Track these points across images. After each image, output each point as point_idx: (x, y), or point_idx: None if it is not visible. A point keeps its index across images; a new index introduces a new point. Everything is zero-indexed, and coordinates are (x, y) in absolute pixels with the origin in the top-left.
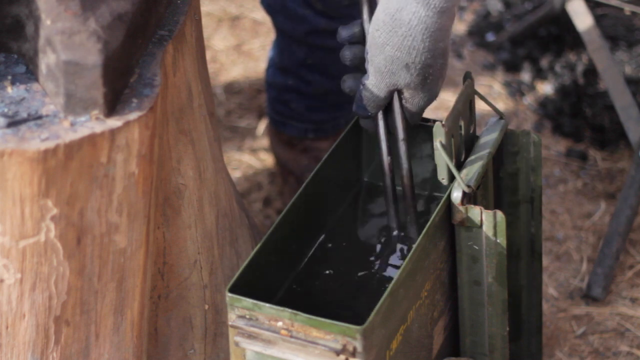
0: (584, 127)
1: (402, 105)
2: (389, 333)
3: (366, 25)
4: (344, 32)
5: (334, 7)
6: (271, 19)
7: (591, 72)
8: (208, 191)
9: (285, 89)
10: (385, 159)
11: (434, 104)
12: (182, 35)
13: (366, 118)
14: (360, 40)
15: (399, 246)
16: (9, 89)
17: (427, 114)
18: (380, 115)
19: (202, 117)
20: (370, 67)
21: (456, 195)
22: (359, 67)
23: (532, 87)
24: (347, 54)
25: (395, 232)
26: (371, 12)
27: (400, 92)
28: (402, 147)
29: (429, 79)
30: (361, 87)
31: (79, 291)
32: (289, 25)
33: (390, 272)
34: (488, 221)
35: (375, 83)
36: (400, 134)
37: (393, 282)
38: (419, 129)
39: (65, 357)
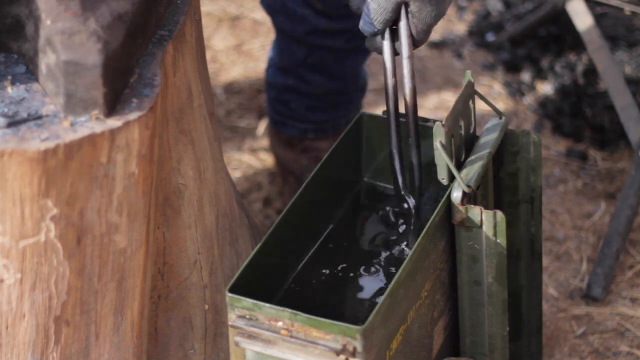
0: (584, 127)
1: (408, 21)
2: (389, 333)
3: None
4: None
5: (334, 7)
6: (271, 19)
7: (591, 72)
8: (208, 191)
9: (285, 89)
10: (390, 80)
11: (434, 103)
12: (182, 35)
13: (373, 35)
14: None
15: (399, 246)
16: (9, 89)
17: (428, 114)
18: (386, 35)
19: (202, 117)
20: None
21: (456, 195)
22: None
23: (532, 87)
24: None
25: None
26: None
27: (407, 6)
28: (407, 65)
29: None
30: (368, 0)
31: (79, 291)
32: (289, 25)
33: (390, 272)
34: (488, 221)
35: None
36: (406, 51)
37: (393, 282)
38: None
39: (65, 357)
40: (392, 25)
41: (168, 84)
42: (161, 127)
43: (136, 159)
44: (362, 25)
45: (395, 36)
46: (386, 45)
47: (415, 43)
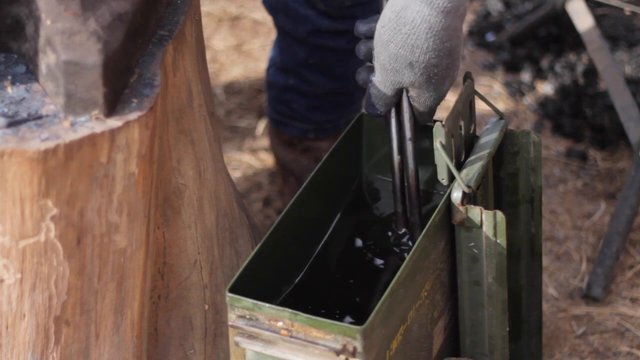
0: (584, 127)
1: (410, 104)
2: (389, 333)
3: None
4: (361, 26)
5: (337, 7)
6: (272, 18)
7: (591, 72)
8: (208, 191)
9: (286, 88)
10: (395, 157)
11: None
12: (182, 35)
13: (377, 117)
14: None
15: (400, 245)
16: (9, 89)
17: None
18: (392, 114)
19: (202, 117)
20: (376, 63)
21: (456, 195)
22: (373, 62)
23: (532, 87)
24: (362, 49)
25: (400, 231)
26: None
27: (407, 91)
28: (409, 147)
29: (434, 79)
30: (369, 85)
31: (79, 291)
32: (291, 25)
33: (390, 272)
34: (488, 221)
35: (381, 80)
36: (408, 133)
37: (393, 282)
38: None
39: (65, 357)
40: (396, 105)
41: (168, 84)
42: (161, 127)
43: (136, 159)
44: (366, 107)
45: (399, 113)
46: (391, 124)
47: (418, 123)
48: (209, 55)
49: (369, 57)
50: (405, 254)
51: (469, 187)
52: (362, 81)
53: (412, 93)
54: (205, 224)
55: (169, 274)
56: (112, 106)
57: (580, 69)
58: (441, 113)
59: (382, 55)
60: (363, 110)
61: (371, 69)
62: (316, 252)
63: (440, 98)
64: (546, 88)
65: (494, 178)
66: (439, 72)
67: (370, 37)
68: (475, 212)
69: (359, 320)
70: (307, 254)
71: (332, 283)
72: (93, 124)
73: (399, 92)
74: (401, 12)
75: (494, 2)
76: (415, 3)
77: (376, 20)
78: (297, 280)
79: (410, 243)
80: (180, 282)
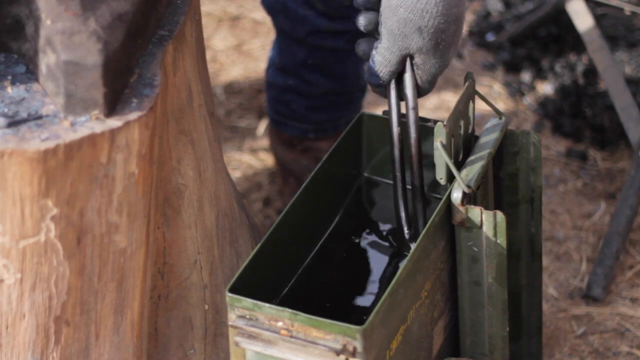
0: (584, 127)
1: (414, 73)
2: (389, 333)
3: None
4: None
5: (335, 7)
6: (271, 19)
7: (591, 72)
8: (208, 191)
9: (285, 89)
10: (395, 129)
11: (434, 103)
12: (182, 35)
13: (378, 87)
14: (375, 6)
15: (399, 246)
16: (9, 89)
17: (428, 114)
18: (392, 84)
19: (202, 117)
20: (383, 29)
21: (456, 195)
22: (373, 34)
23: (532, 87)
24: (362, 20)
25: (402, 213)
26: None
27: (412, 58)
28: (412, 116)
29: (442, 45)
30: (374, 51)
31: (79, 291)
32: (290, 26)
33: (390, 272)
34: (488, 222)
35: (387, 46)
36: (411, 102)
37: (393, 282)
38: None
39: (65, 357)
40: (398, 76)
41: (168, 84)
42: (161, 127)
43: (136, 159)
44: (368, 77)
45: (400, 85)
46: (392, 95)
47: (420, 93)
48: (209, 55)
49: (369, 27)
50: (406, 253)
51: (469, 187)
52: (362, 52)
53: (417, 60)
54: (205, 224)
55: (169, 274)
56: (112, 106)
57: (580, 69)
58: (442, 113)
59: (391, 20)
60: (363, 111)
61: (371, 41)
62: (316, 252)
63: (444, 66)
64: (546, 88)
65: (494, 178)
66: (446, 38)
67: (369, 8)
68: (475, 212)
69: (359, 320)
70: (307, 253)
71: (332, 283)
72: (93, 124)
73: (403, 60)
74: None
75: (494, 2)
76: None
77: None
78: (296, 280)
79: (409, 242)
80: (180, 282)
